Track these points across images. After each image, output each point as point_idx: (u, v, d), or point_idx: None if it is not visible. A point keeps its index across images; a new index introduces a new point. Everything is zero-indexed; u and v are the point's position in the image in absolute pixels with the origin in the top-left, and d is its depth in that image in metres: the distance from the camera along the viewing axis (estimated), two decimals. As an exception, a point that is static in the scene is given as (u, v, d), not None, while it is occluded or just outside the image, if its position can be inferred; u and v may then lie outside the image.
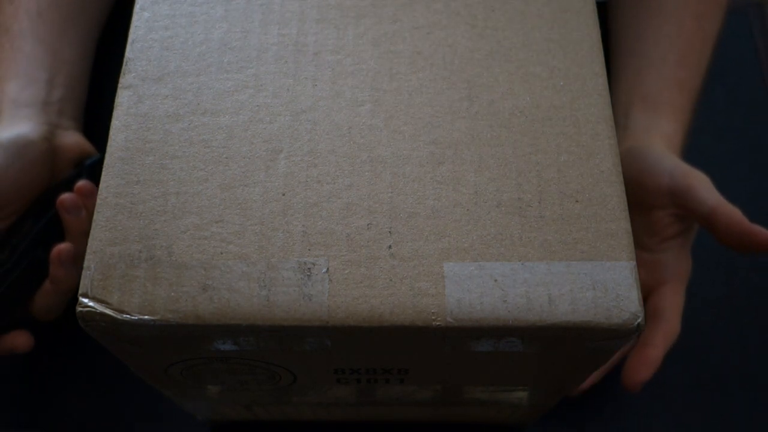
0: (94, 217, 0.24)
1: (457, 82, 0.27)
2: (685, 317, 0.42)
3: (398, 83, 0.27)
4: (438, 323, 0.22)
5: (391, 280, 0.23)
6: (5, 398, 0.42)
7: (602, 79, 0.28)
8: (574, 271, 0.23)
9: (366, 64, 0.28)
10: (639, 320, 0.22)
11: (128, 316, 0.22)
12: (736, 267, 0.45)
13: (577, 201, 0.25)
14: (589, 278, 0.23)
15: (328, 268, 0.23)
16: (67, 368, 0.43)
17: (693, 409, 0.41)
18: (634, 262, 0.23)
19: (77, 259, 0.38)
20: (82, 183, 0.39)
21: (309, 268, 0.23)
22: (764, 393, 0.42)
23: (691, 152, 0.48)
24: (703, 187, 0.37)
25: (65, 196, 0.38)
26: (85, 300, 0.23)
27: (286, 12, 0.29)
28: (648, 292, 0.40)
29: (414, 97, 0.27)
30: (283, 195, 0.25)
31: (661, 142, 0.41)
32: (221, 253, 0.23)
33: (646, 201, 0.39)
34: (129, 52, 0.28)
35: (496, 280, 0.23)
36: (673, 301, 0.38)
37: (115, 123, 0.26)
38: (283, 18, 0.29)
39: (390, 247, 0.24)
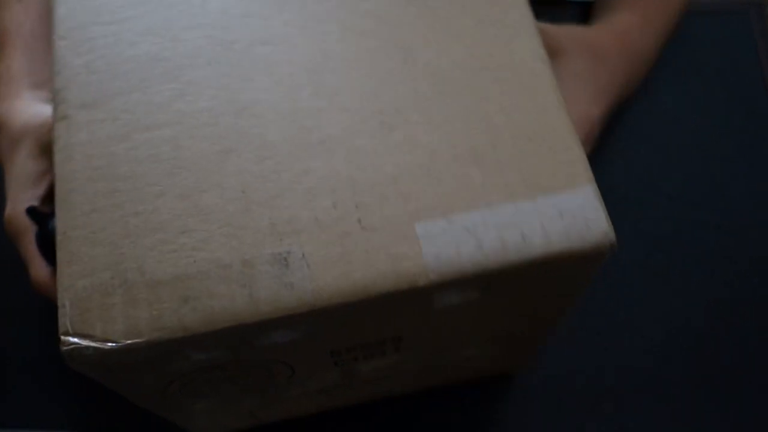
0: (57, 254, 0.24)
1: (391, 49, 0.27)
2: (687, 317, 0.42)
3: (334, 61, 0.27)
4: (421, 283, 0.23)
5: (367, 251, 0.23)
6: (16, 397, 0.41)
7: (529, 20, 0.28)
8: (540, 206, 0.24)
9: (298, 50, 0.28)
10: (611, 238, 0.23)
11: (115, 344, 0.22)
12: (737, 268, 0.45)
13: (529, 139, 0.25)
14: (556, 209, 0.23)
15: (303, 254, 0.23)
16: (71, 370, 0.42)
17: (693, 408, 0.41)
18: (594, 185, 0.24)
19: None
20: None
21: (285, 258, 0.23)
22: (765, 393, 0.41)
23: (691, 152, 0.48)
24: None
25: None
26: (68, 338, 0.22)
27: (208, 13, 0.29)
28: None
29: (352, 73, 0.27)
30: (243, 192, 0.24)
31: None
32: (194, 262, 0.23)
33: None
34: (57, 83, 0.27)
35: (468, 230, 0.23)
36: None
37: (58, 156, 0.26)
38: (205, 20, 0.29)
39: (359, 220, 0.24)
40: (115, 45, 0.28)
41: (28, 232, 0.32)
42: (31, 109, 0.36)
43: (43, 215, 0.32)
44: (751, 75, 0.51)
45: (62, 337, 0.22)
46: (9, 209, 0.33)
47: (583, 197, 0.24)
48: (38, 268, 0.32)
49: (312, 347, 0.26)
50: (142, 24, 0.28)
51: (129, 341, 0.22)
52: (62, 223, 0.24)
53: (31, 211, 0.32)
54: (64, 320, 0.23)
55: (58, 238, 0.24)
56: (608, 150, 0.49)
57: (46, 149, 0.33)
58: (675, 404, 0.41)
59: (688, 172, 0.47)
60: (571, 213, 0.23)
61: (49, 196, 0.33)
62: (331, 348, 0.27)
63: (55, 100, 0.27)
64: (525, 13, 0.28)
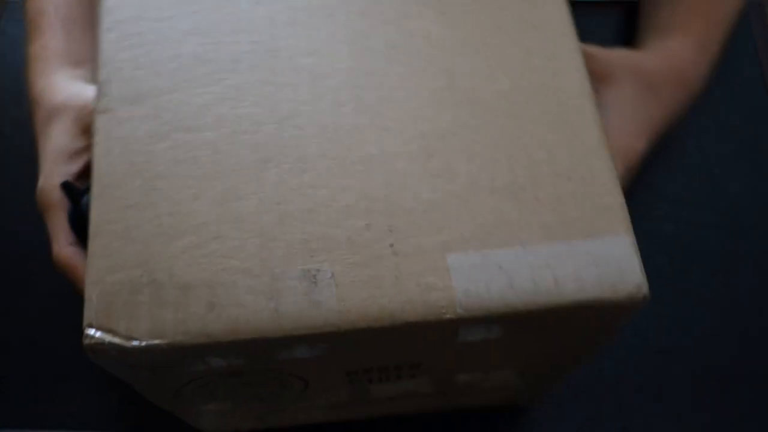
0: (89, 246, 0.24)
1: (436, 72, 0.27)
2: (688, 318, 0.42)
3: (377, 79, 0.27)
4: (449, 316, 0.22)
5: (397, 278, 0.23)
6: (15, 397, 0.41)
7: (577, 54, 0.28)
8: (575, 250, 0.23)
9: (343, 63, 0.28)
10: (644, 291, 0.23)
11: (137, 342, 0.22)
12: (738, 268, 0.45)
13: (569, 179, 0.25)
14: (590, 255, 0.23)
15: (333, 273, 0.23)
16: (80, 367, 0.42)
17: (694, 408, 0.41)
18: (632, 236, 0.24)
19: None
20: None
21: (314, 275, 0.23)
22: (764, 393, 0.41)
23: (692, 152, 0.47)
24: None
25: None
26: (92, 331, 0.22)
27: (255, 18, 0.29)
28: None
29: (395, 92, 0.27)
30: (278, 204, 0.24)
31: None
32: (223, 269, 0.23)
33: None
34: (101, 75, 0.27)
35: (500, 267, 0.23)
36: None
37: (97, 149, 0.26)
38: (252, 25, 0.28)
39: (392, 245, 0.24)
40: (161, 42, 0.28)
41: (58, 207, 0.32)
42: (72, 87, 0.36)
43: (77, 191, 0.32)
44: (751, 75, 0.51)
45: (85, 330, 0.22)
46: (42, 182, 0.33)
47: (619, 246, 0.23)
48: (63, 244, 0.32)
49: (329, 365, 0.26)
50: (188, 23, 0.29)
51: (152, 341, 0.22)
52: (97, 216, 0.24)
53: (67, 186, 0.32)
54: (90, 312, 0.23)
55: (92, 230, 0.24)
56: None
57: (85, 129, 0.33)
58: (675, 404, 0.41)
59: (689, 173, 0.47)
60: (605, 261, 0.23)
61: (84, 174, 0.33)
62: (348, 368, 0.27)
63: (98, 92, 0.27)
64: (573, 46, 0.28)
